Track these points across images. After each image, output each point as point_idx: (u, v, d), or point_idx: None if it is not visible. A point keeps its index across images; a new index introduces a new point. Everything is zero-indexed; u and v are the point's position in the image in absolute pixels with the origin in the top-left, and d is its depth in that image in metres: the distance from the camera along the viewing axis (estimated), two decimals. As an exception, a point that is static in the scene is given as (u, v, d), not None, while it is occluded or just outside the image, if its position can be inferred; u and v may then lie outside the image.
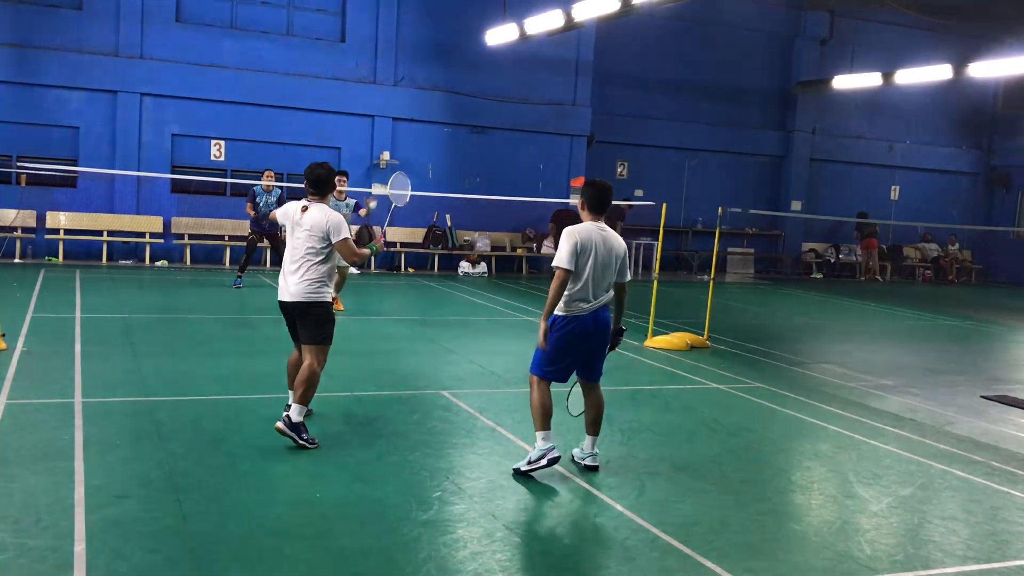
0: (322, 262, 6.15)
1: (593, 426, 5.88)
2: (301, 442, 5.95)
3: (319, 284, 6.14)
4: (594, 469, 5.85)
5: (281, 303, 6.26)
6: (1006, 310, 18.92)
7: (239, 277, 14.45)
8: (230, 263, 17.75)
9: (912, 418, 8.04)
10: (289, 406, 6.07)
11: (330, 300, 6.22)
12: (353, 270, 18.08)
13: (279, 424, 5.99)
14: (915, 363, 11.39)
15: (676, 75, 22.64)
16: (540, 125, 20.47)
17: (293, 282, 6.13)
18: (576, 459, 5.96)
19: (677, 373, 9.53)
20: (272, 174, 14.70)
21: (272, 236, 14.46)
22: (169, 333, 10.33)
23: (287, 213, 6.38)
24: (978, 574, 4.64)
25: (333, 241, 6.12)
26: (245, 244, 14.82)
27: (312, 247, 6.12)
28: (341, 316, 12.52)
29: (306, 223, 6.16)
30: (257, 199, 14.30)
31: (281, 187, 14.85)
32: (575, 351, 5.69)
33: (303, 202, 6.33)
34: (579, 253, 5.58)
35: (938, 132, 26.06)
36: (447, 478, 5.60)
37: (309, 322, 6.15)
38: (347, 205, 12.56)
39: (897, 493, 5.88)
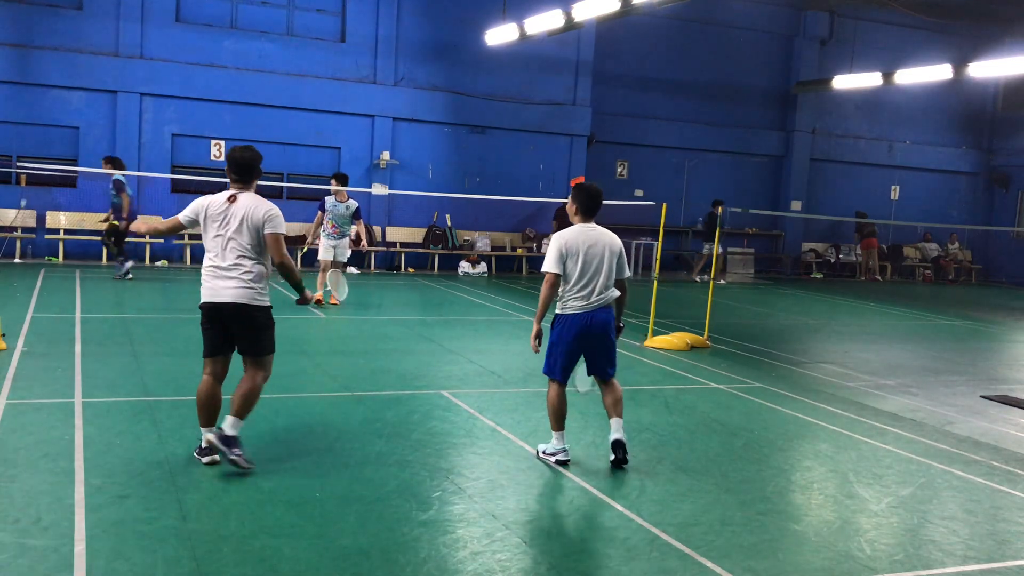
0: (256, 259, 5.50)
1: (614, 408, 5.97)
2: (232, 457, 5.32)
3: (257, 283, 5.49)
4: (620, 445, 5.86)
5: (213, 305, 5.47)
6: (1006, 310, 18.92)
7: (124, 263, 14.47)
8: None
9: (912, 418, 8.04)
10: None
11: (269, 304, 5.59)
12: (352, 269, 18.14)
13: (210, 436, 5.42)
14: (915, 363, 11.39)
15: (676, 75, 22.64)
16: (540, 125, 20.47)
17: (228, 283, 5.42)
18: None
19: (677, 373, 9.54)
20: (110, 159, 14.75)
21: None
22: (169, 333, 10.33)
23: (204, 206, 5.56)
24: (978, 574, 4.64)
25: (265, 232, 5.44)
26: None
27: (243, 243, 5.44)
28: (341, 317, 12.53)
29: (237, 214, 5.45)
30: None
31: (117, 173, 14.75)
32: (573, 349, 5.93)
33: (228, 191, 5.59)
34: (566, 257, 5.82)
35: (938, 132, 26.07)
36: (447, 478, 5.60)
37: (249, 329, 5.52)
38: (347, 207, 12.64)
39: (897, 493, 5.88)
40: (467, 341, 10.84)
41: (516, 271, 20.39)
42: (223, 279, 5.44)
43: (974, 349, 13.22)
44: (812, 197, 24.44)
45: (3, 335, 8.64)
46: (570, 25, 16.23)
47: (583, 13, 15.33)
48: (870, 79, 20.62)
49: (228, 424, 5.40)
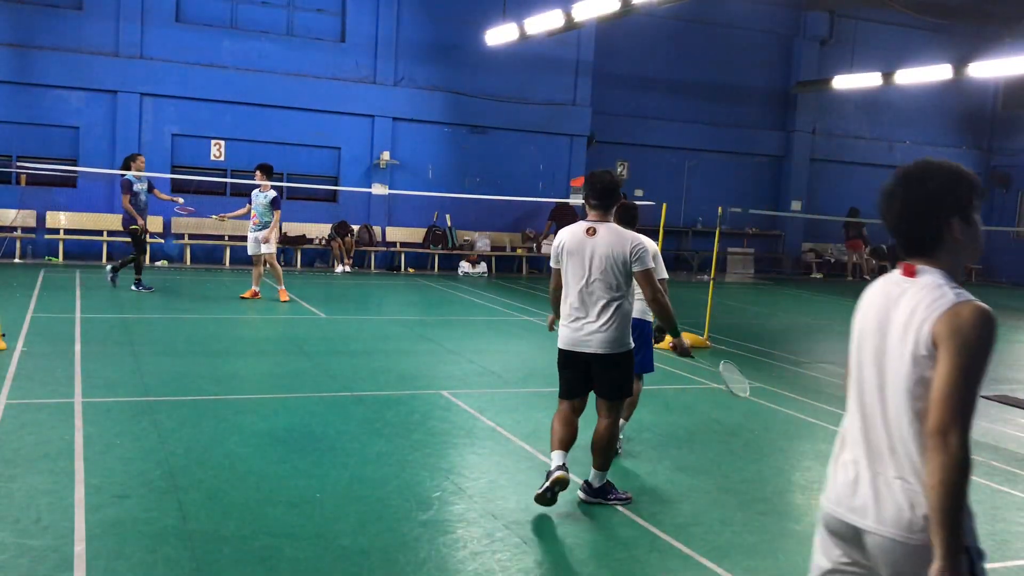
0: (623, 300, 5.13)
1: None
2: (613, 502, 5.27)
3: (625, 329, 5.15)
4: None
5: (569, 352, 5.19)
6: (1006, 310, 18.90)
7: (139, 281, 13.22)
8: (230, 263, 17.76)
9: (912, 418, 8.03)
10: (585, 482, 5.34)
11: (633, 346, 5.26)
12: (348, 268, 18.15)
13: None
14: (915, 363, 11.37)
15: (676, 75, 22.64)
16: (540, 125, 20.47)
17: (593, 330, 5.08)
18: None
19: (677, 373, 9.53)
20: (143, 159, 13.55)
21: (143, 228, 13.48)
22: (169, 333, 10.33)
23: (564, 240, 5.21)
24: (978, 574, 4.64)
25: (635, 271, 5.07)
26: (132, 240, 13.33)
27: (610, 281, 5.07)
28: (341, 317, 12.54)
29: (600, 248, 5.08)
30: (134, 187, 13.17)
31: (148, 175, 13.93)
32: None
33: (586, 223, 5.20)
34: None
35: (938, 132, 26.05)
36: (447, 478, 5.60)
37: (614, 376, 5.18)
38: (266, 196, 12.88)
39: (897, 493, 5.87)
40: (467, 341, 10.84)
41: (516, 271, 20.39)
42: (587, 325, 5.10)
43: (974, 349, 13.19)
44: (812, 197, 24.42)
45: (3, 335, 8.64)
46: (570, 25, 16.23)
47: (583, 13, 15.33)
48: (870, 79, 20.61)
49: (591, 476, 5.27)
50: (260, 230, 12.83)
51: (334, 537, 4.56)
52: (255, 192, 13.01)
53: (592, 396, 5.34)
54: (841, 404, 8.34)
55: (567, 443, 5.18)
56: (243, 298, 12.94)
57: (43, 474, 5.20)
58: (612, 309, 5.07)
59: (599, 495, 5.26)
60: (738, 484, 5.85)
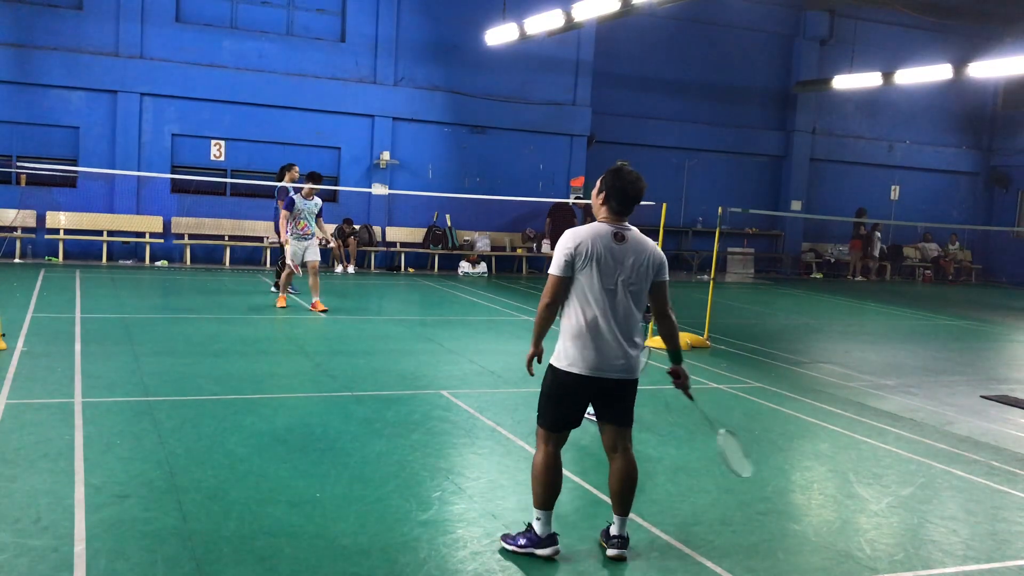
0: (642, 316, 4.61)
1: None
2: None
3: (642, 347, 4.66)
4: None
5: (593, 380, 4.52)
6: (1006, 310, 18.92)
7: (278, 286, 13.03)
8: (230, 263, 17.75)
9: (912, 418, 8.04)
10: (613, 537, 4.56)
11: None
12: (350, 268, 18.17)
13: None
14: (915, 363, 11.39)
15: (676, 75, 22.64)
16: (540, 125, 20.47)
17: (624, 351, 4.50)
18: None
19: (677, 373, 9.52)
20: (297, 168, 13.51)
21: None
22: (169, 333, 10.32)
23: (587, 244, 4.42)
24: (978, 574, 4.64)
25: (656, 281, 4.54)
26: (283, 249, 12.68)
27: (642, 296, 4.55)
28: (341, 317, 12.53)
29: (635, 257, 4.47)
30: (291, 194, 12.65)
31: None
32: None
33: (612, 227, 4.50)
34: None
35: (938, 132, 26.07)
36: (447, 478, 5.60)
37: (631, 399, 4.75)
38: (315, 204, 12.20)
39: (897, 493, 5.88)
40: (467, 341, 10.84)
41: (516, 271, 20.39)
42: (620, 345, 4.49)
43: (974, 349, 13.21)
44: (812, 197, 24.44)
45: (3, 335, 8.64)
46: (570, 25, 16.23)
47: (583, 13, 15.33)
48: (870, 79, 20.61)
49: (619, 527, 4.57)
50: (311, 238, 12.16)
51: (334, 537, 4.56)
52: (297, 197, 12.07)
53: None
54: (842, 404, 8.36)
55: (557, 496, 4.56)
56: (323, 312, 12.07)
57: (43, 474, 5.20)
58: (640, 326, 4.59)
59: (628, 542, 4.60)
60: (738, 484, 5.85)
